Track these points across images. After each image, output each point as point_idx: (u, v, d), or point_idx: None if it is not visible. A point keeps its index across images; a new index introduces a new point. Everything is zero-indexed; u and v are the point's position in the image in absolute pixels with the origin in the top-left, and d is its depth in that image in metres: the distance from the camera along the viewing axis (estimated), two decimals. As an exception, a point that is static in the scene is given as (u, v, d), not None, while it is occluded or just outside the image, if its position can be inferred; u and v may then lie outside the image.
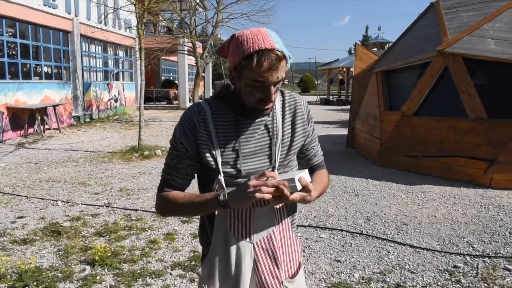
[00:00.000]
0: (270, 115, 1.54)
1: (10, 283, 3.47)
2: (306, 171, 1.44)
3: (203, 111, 1.51)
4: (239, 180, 1.50)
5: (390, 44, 12.25)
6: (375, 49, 29.03)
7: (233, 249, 1.50)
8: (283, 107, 1.59)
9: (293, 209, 1.68)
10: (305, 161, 1.71)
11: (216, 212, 1.52)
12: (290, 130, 1.58)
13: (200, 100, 1.58)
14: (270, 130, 1.54)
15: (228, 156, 1.50)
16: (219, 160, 1.49)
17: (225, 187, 1.48)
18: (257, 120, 1.52)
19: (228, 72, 1.51)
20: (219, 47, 1.52)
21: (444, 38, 7.46)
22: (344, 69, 31.40)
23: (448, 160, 7.04)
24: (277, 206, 1.55)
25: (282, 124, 1.57)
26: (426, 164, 7.35)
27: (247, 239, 1.51)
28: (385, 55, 9.93)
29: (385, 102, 8.60)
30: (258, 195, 1.30)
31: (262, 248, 1.52)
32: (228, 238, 1.51)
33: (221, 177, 1.49)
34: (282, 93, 1.62)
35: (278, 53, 1.36)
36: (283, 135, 1.56)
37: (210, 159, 1.49)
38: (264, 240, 1.52)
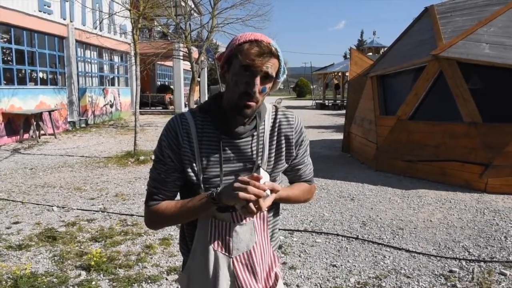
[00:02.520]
0: (255, 135, 1.49)
1: (5, 290, 3.45)
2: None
3: (187, 124, 1.47)
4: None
5: (385, 49, 12.32)
6: (370, 53, 29.23)
7: (211, 261, 1.48)
8: (272, 127, 1.54)
9: (275, 219, 1.66)
10: (294, 179, 1.69)
11: (198, 223, 1.50)
12: (274, 153, 1.54)
13: (184, 112, 1.52)
14: (254, 151, 1.49)
15: (209, 174, 1.47)
16: (201, 177, 1.46)
17: None
18: (242, 141, 1.48)
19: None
20: (219, 54, 1.48)
21: (439, 42, 7.51)
22: (340, 74, 31.51)
23: (443, 165, 7.06)
24: (258, 221, 1.53)
25: (269, 148, 1.52)
26: (422, 168, 7.38)
27: (227, 253, 1.48)
28: (380, 60, 9.98)
29: (380, 107, 8.63)
30: (241, 194, 1.26)
31: (242, 263, 1.49)
32: (208, 251, 1.48)
33: (202, 191, 1.46)
34: (276, 110, 1.57)
35: (271, 47, 1.35)
36: (269, 158, 1.52)
37: (192, 174, 1.46)
38: (244, 256, 1.50)
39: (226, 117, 1.45)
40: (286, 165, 1.57)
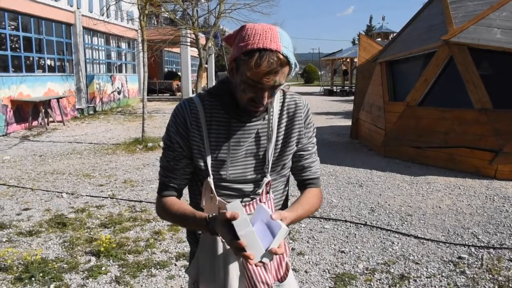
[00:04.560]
0: (266, 119, 1.47)
1: (17, 274, 3.49)
2: (281, 224, 1.26)
3: (195, 108, 1.44)
4: (225, 184, 1.47)
5: (395, 34, 12.17)
6: (379, 39, 28.86)
7: (221, 252, 1.47)
8: (281, 111, 1.51)
9: (280, 206, 1.63)
10: (297, 171, 1.59)
11: (205, 212, 1.48)
12: (283, 136, 1.50)
13: (192, 96, 1.50)
14: (264, 136, 1.47)
15: (217, 159, 1.45)
16: (209, 162, 1.44)
17: (213, 190, 1.45)
18: (251, 124, 1.45)
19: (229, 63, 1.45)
20: (227, 35, 1.43)
21: (450, 27, 7.39)
22: (348, 60, 31.27)
23: (452, 151, 7.00)
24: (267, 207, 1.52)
25: (278, 129, 1.49)
26: (431, 155, 7.33)
27: None
28: (389, 45, 9.86)
29: (389, 93, 8.56)
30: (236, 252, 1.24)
31: None
32: (216, 242, 1.47)
33: (211, 180, 1.45)
34: (284, 94, 1.54)
35: (282, 57, 1.25)
36: (276, 142, 1.49)
37: (200, 160, 1.45)
38: None
39: (235, 101, 1.42)
40: (295, 148, 1.53)
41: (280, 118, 1.50)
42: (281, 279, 1.57)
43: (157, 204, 1.55)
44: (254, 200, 1.49)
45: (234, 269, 1.47)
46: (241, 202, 1.45)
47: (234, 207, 1.28)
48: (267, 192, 1.50)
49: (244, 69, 1.28)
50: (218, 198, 1.46)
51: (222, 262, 1.47)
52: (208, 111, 1.45)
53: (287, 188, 1.65)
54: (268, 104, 1.39)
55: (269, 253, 1.22)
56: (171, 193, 1.52)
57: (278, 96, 1.52)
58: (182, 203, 1.50)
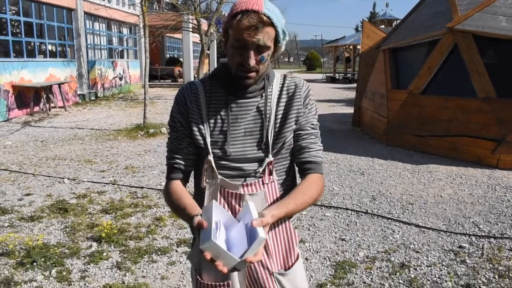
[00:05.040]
0: (264, 96, 1.48)
1: (18, 259, 3.51)
2: (260, 229, 1.21)
3: (196, 89, 1.50)
4: (226, 162, 1.46)
5: (398, 21, 12.06)
6: (383, 26, 28.61)
7: None
8: (281, 91, 1.52)
9: (285, 190, 1.58)
10: (295, 152, 1.54)
11: (206, 193, 1.48)
12: (281, 114, 1.50)
13: (193, 80, 1.55)
14: (263, 112, 1.48)
15: (217, 137, 1.46)
16: (208, 140, 1.46)
17: (214, 167, 1.45)
18: (249, 101, 1.47)
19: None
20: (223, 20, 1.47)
21: (454, 15, 7.31)
22: (351, 47, 31.02)
23: (455, 140, 6.98)
24: (271, 190, 1.49)
25: (276, 108, 1.50)
26: (433, 143, 7.31)
27: None
28: (393, 33, 9.77)
29: (392, 80, 8.51)
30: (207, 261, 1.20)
31: None
32: None
33: (211, 158, 1.45)
34: (284, 77, 1.56)
35: (263, 17, 1.31)
36: (275, 120, 1.49)
37: (199, 138, 1.47)
38: None
39: (234, 79, 1.44)
40: (294, 126, 1.51)
41: (279, 98, 1.52)
42: (287, 268, 1.55)
43: (164, 188, 1.57)
44: (257, 181, 1.47)
45: None
46: (244, 181, 1.46)
47: (207, 210, 1.28)
48: (270, 173, 1.49)
49: (231, 33, 1.36)
50: (219, 176, 1.46)
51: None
52: (208, 92, 1.50)
53: (292, 171, 1.62)
54: (260, 71, 1.41)
55: (243, 262, 1.18)
56: (177, 175, 1.52)
57: (278, 77, 1.55)
58: (182, 192, 1.49)
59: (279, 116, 1.50)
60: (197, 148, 1.50)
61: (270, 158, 1.47)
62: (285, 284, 1.53)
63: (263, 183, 1.47)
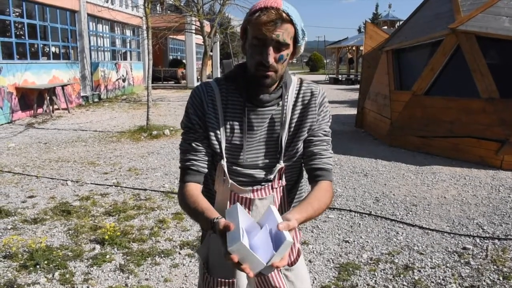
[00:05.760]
0: (280, 105, 1.47)
1: (21, 262, 3.51)
2: (287, 233, 1.18)
3: (212, 91, 1.46)
4: (238, 168, 1.46)
5: (401, 22, 12.04)
6: (386, 27, 28.61)
7: None
8: (297, 98, 1.51)
9: (293, 194, 1.62)
10: (306, 158, 1.53)
11: (216, 196, 1.49)
12: (296, 122, 1.50)
13: (209, 80, 1.52)
14: (278, 122, 1.47)
15: (232, 143, 1.45)
16: (223, 145, 1.44)
17: (226, 172, 1.45)
18: (266, 110, 1.46)
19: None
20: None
21: (457, 15, 7.30)
22: (354, 48, 31.00)
23: (458, 141, 6.96)
24: (279, 194, 1.50)
25: (291, 116, 1.49)
26: (436, 144, 7.28)
27: None
28: (395, 34, 9.76)
29: (395, 82, 8.49)
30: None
31: None
32: None
33: (224, 163, 1.45)
34: (301, 83, 1.54)
35: (282, 13, 1.30)
36: (289, 128, 1.49)
37: (215, 142, 1.45)
38: None
39: (251, 85, 1.43)
40: (306, 134, 1.51)
41: (294, 105, 1.50)
42: (291, 264, 1.58)
43: (179, 192, 1.50)
44: (267, 185, 1.48)
45: None
46: (254, 186, 1.46)
47: (231, 213, 1.24)
48: (280, 178, 1.50)
49: (250, 31, 1.35)
50: (230, 181, 1.46)
51: None
52: (224, 94, 1.46)
53: (301, 177, 1.63)
54: (279, 71, 1.38)
55: (270, 267, 1.15)
56: (194, 178, 1.47)
57: (294, 84, 1.52)
58: (198, 195, 1.45)
59: (293, 125, 1.49)
60: (213, 152, 1.48)
61: (282, 164, 1.48)
62: (291, 279, 1.58)
63: (272, 188, 1.49)
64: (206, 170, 1.49)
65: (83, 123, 11.27)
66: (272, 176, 1.48)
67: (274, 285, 1.53)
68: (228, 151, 1.45)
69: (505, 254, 3.69)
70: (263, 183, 1.49)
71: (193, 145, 1.46)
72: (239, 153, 1.45)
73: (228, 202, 1.47)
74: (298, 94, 1.51)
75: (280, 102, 1.47)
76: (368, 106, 9.86)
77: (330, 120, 1.59)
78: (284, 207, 1.54)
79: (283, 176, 1.51)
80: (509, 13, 6.95)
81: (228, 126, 1.45)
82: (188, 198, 1.43)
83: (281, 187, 1.51)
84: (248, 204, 1.47)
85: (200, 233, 4.11)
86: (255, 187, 1.46)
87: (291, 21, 1.33)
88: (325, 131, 1.55)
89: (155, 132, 9.30)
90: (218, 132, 1.44)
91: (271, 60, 1.33)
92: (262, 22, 1.29)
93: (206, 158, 1.48)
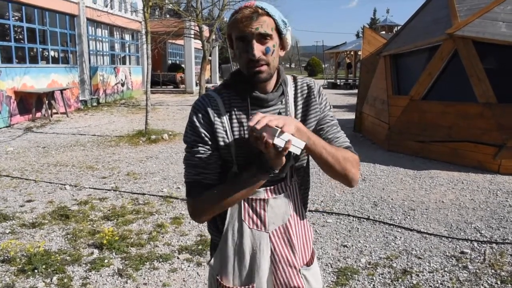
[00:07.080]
0: (283, 102, 1.49)
1: (20, 266, 3.51)
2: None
3: (215, 100, 1.46)
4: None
5: (399, 27, 12.10)
6: (383, 32, 28.70)
7: (248, 239, 1.46)
8: (296, 93, 1.54)
9: (306, 192, 1.64)
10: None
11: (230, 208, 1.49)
12: (301, 115, 1.52)
13: (208, 92, 1.52)
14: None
15: (242, 148, 1.45)
16: (233, 151, 1.44)
17: None
18: (270, 109, 1.47)
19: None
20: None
21: (454, 21, 7.34)
22: (352, 53, 31.08)
23: (456, 145, 6.98)
24: (293, 192, 1.52)
25: (295, 110, 1.52)
26: (434, 149, 7.30)
27: (263, 229, 1.46)
28: (393, 39, 9.80)
29: (393, 86, 8.52)
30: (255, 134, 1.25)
31: (278, 237, 1.48)
32: (242, 229, 1.46)
33: (236, 169, 1.45)
34: (295, 79, 1.57)
35: (256, 8, 1.33)
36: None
37: (226, 151, 1.45)
38: (280, 229, 1.48)
39: (251, 87, 1.44)
40: (314, 126, 1.53)
41: (295, 100, 1.53)
42: (308, 264, 1.59)
43: (192, 206, 1.46)
44: (280, 184, 1.49)
45: (263, 255, 1.47)
46: (267, 186, 1.46)
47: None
48: (292, 176, 1.51)
49: (233, 35, 1.39)
50: None
51: (251, 250, 1.46)
52: (227, 102, 1.47)
53: (308, 172, 1.66)
54: (271, 63, 1.39)
55: (281, 134, 1.24)
56: (207, 191, 1.45)
57: (290, 81, 1.55)
58: (217, 186, 1.45)
59: (299, 118, 1.51)
60: (223, 160, 1.48)
61: (292, 161, 1.48)
62: (309, 279, 1.57)
63: (285, 186, 1.50)
64: (218, 182, 1.48)
65: (81, 127, 11.27)
66: (284, 174, 1.48)
67: (293, 285, 1.52)
68: (238, 157, 1.45)
69: (503, 258, 3.70)
70: (275, 183, 1.49)
71: (204, 158, 1.45)
72: (248, 158, 1.45)
73: (242, 206, 1.46)
74: (296, 89, 1.55)
75: (283, 100, 1.49)
76: (366, 110, 9.88)
77: (332, 108, 1.62)
78: (298, 204, 1.55)
79: (295, 173, 1.53)
80: (505, 18, 6.99)
81: (236, 133, 1.45)
82: (211, 196, 1.42)
83: (294, 184, 1.52)
84: (263, 205, 1.47)
85: (199, 238, 4.13)
86: (268, 187, 1.46)
87: (267, 14, 1.35)
88: (331, 116, 1.58)
89: (154, 137, 9.30)
90: (227, 140, 1.44)
91: (257, 53, 1.35)
92: (239, 20, 1.34)
93: (218, 170, 1.47)
